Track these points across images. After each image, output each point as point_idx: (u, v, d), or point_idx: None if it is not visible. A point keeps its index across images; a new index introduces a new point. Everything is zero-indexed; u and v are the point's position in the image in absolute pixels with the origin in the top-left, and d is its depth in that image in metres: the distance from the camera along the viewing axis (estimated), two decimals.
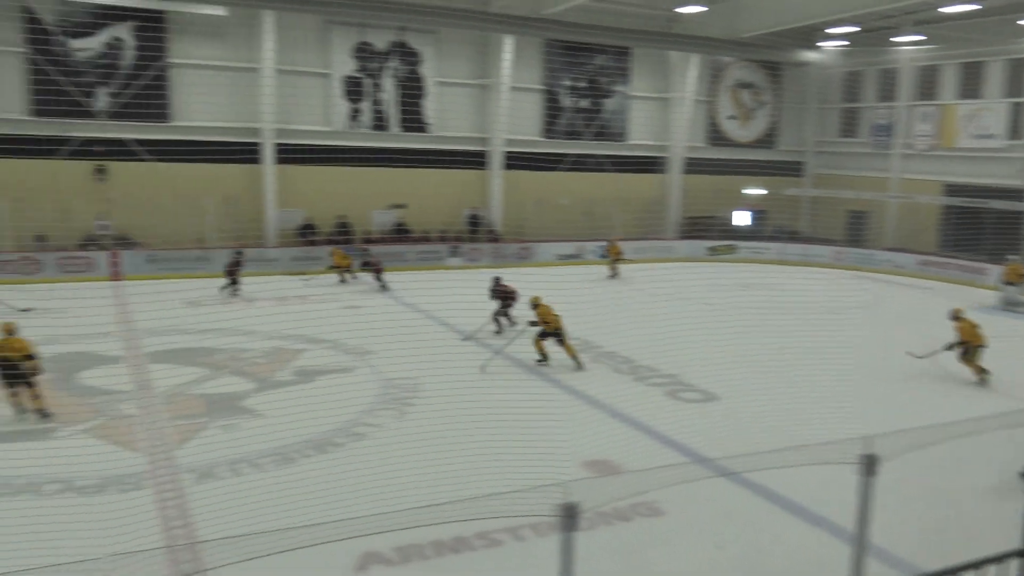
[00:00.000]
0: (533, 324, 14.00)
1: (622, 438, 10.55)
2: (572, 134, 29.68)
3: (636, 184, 30.67)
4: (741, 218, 31.73)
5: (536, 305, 14.04)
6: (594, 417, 11.50)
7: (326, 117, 25.84)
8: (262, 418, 10.98)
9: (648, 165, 31.17)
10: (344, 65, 25.84)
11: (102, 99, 23.00)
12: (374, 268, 22.00)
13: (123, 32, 23.02)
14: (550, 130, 29.33)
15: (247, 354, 14.24)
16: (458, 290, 15.72)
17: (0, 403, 11.08)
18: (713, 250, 30.20)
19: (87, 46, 22.70)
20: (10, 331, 11.08)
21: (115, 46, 22.99)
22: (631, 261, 25.71)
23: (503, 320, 16.27)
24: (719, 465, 7.96)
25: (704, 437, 10.43)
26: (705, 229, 30.69)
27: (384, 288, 21.56)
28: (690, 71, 30.14)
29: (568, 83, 29.35)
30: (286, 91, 24.64)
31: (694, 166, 31.15)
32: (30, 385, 10.84)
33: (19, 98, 22.21)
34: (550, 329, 13.77)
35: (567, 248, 27.74)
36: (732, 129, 32.78)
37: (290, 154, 24.91)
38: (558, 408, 11.60)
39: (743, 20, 27.74)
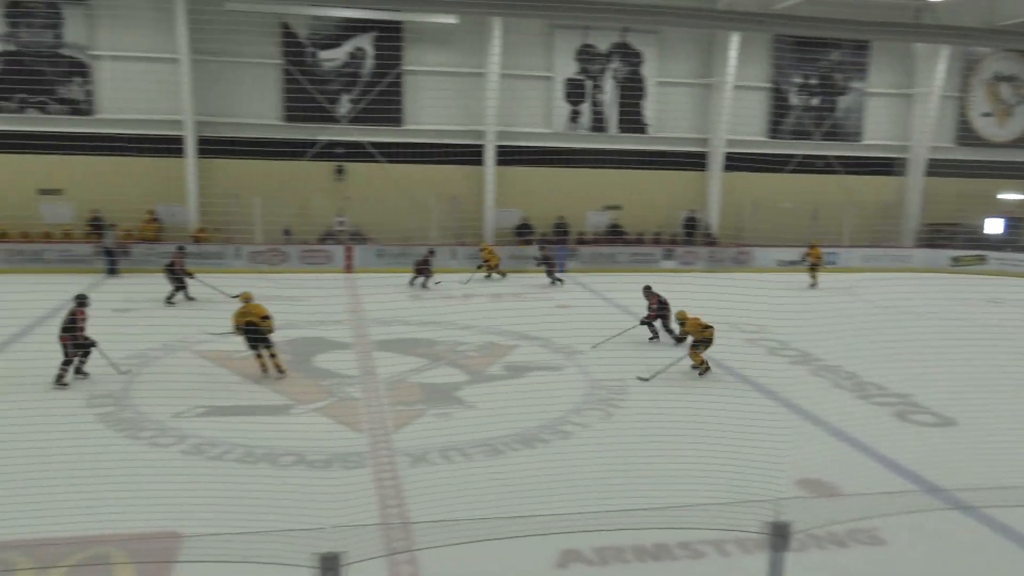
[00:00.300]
0: (680, 340, 13.38)
1: (841, 457, 9.83)
2: (800, 134, 28.20)
3: (870, 187, 28.61)
4: (993, 226, 28.62)
5: (683, 321, 13.50)
6: (811, 432, 10.82)
7: (546, 119, 26.38)
8: (473, 409, 11.35)
9: (884, 167, 28.94)
10: (566, 67, 26.24)
11: (344, 105, 24.98)
12: (548, 264, 22.30)
13: (365, 42, 24.84)
14: (776, 130, 28.05)
15: (463, 347, 14.83)
16: (670, 294, 15.42)
17: (239, 374, 12.35)
18: (957, 260, 27.49)
19: (333, 56, 24.75)
20: (247, 299, 12.87)
21: (357, 56, 24.87)
22: (859, 270, 23.98)
23: (660, 328, 15.77)
24: (954, 497, 7.20)
25: (938, 465, 9.47)
26: (949, 237, 28.00)
27: (558, 282, 22.13)
28: (939, 64, 27.60)
29: (798, 80, 27.91)
30: (509, 94, 25.46)
31: (938, 168, 28.51)
32: (268, 345, 12.47)
33: (274, 106, 24.66)
34: (704, 337, 13.15)
35: (789, 254, 26.36)
36: (986, 127, 29.63)
37: (510, 155, 25.69)
38: (771, 420, 11.03)
39: (1005, 6, 24.99)
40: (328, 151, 25.03)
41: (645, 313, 15.48)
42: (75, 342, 11.84)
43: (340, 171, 25.05)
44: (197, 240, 23.58)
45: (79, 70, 23.49)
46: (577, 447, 10.02)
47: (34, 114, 23.47)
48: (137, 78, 23.59)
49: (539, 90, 26.25)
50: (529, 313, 15.27)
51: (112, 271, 21.87)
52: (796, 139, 28.17)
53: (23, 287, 16.06)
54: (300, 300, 17.38)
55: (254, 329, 12.36)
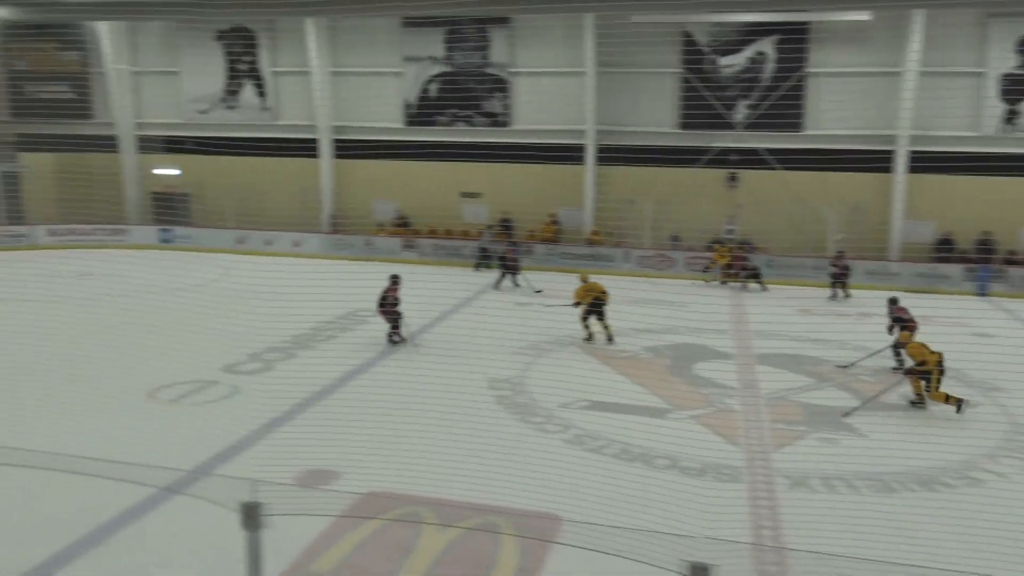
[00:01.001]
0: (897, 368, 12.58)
1: None
2: None
3: None
4: None
5: (904, 344, 11.92)
6: None
7: (974, 120, 23.23)
8: (864, 438, 10.39)
9: None
10: (1004, 61, 22.84)
11: (741, 111, 24.53)
12: (839, 278, 20.58)
13: (766, 46, 24.13)
14: None
15: (854, 369, 13.67)
16: None
17: (622, 374, 12.70)
18: None
19: (733, 62, 24.43)
20: (584, 278, 15.21)
21: (757, 60, 24.26)
22: None
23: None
24: None
25: None
26: None
27: (844, 297, 20.39)
28: None
29: None
30: (927, 94, 22.88)
31: None
32: (602, 315, 14.71)
33: (670, 114, 25.07)
34: (927, 368, 11.24)
35: None
36: None
37: (925, 162, 23.05)
38: None
39: None
40: (721, 158, 24.78)
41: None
42: (388, 313, 14.14)
43: (733, 178, 24.66)
44: (591, 243, 24.94)
45: (500, 86, 26.19)
46: (990, 499, 8.64)
47: (461, 127, 26.68)
48: (547, 92, 25.63)
49: (965, 88, 23.18)
50: (941, 339, 13.52)
51: (480, 267, 23.87)
52: None
53: (443, 278, 18.37)
54: (684, 306, 17.45)
55: (599, 302, 14.67)
